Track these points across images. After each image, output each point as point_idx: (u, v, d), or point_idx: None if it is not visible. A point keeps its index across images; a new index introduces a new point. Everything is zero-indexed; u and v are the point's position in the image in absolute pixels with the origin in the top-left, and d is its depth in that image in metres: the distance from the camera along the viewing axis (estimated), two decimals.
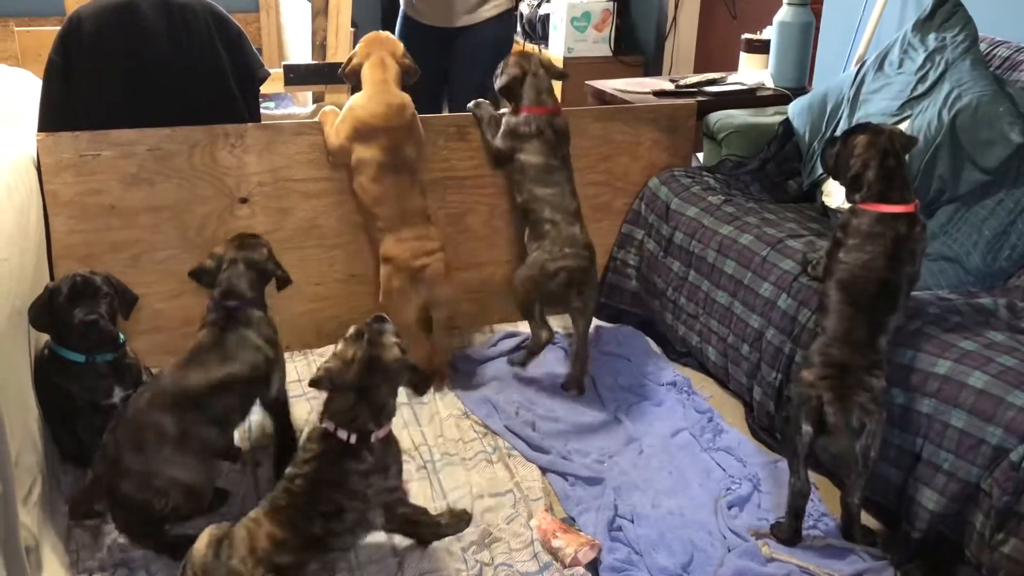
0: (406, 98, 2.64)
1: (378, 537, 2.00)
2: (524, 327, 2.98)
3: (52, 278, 2.48)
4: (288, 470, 1.86)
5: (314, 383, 1.84)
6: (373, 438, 1.84)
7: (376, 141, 2.57)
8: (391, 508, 1.91)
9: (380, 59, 2.62)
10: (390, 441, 1.91)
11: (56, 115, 2.53)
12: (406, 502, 1.97)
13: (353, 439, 1.82)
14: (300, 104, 4.31)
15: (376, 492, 1.86)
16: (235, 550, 1.75)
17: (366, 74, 2.62)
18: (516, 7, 3.43)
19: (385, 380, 1.85)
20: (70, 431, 2.13)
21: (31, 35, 4.31)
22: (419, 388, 1.88)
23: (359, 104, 2.60)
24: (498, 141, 2.78)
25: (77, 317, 2.04)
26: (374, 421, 1.84)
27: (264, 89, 2.94)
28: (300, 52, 4.75)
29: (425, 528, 2.00)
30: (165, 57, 2.56)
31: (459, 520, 2.07)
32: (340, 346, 1.87)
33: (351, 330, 1.88)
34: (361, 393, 1.82)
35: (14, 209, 2.19)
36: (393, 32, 2.96)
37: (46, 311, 2.05)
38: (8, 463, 1.73)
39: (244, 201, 2.68)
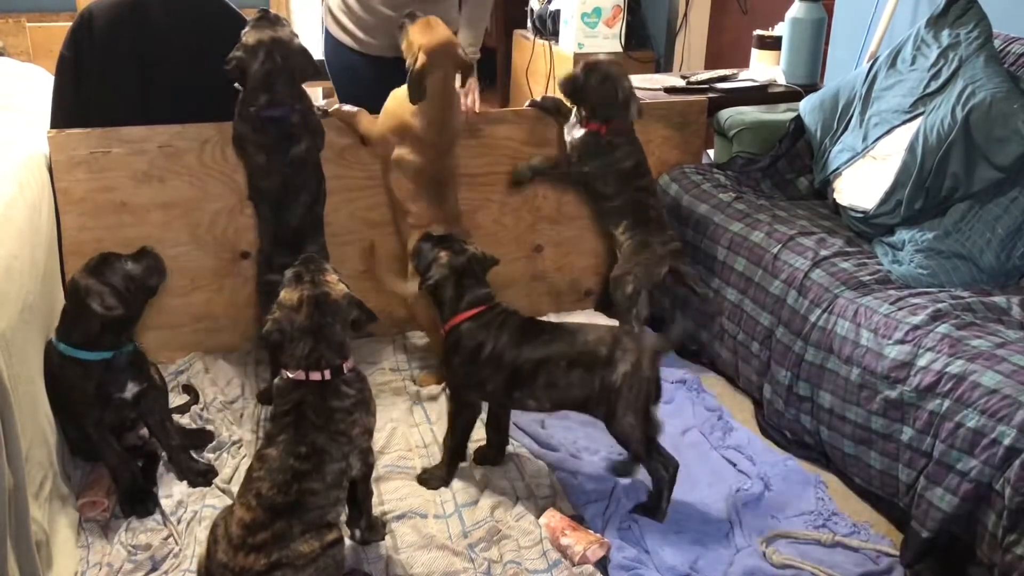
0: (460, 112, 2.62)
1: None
2: None
3: (63, 275, 2.49)
4: (267, 427, 1.83)
5: (267, 335, 1.82)
6: (344, 369, 1.83)
7: (425, 148, 2.54)
8: (365, 455, 1.90)
9: (445, 75, 2.50)
10: (361, 374, 1.89)
11: (67, 111, 2.54)
12: (373, 460, 1.96)
13: (327, 375, 1.80)
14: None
15: (360, 432, 1.85)
16: (219, 544, 1.74)
17: (432, 87, 2.47)
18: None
19: (337, 318, 1.82)
20: (78, 427, 2.14)
21: (42, 31, 4.33)
22: (361, 324, 1.88)
23: (415, 112, 2.50)
24: (585, 167, 2.76)
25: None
26: (338, 356, 1.82)
27: None
28: (310, 47, 4.75)
29: (367, 502, 1.99)
30: (175, 53, 2.56)
31: (378, 529, 2.05)
32: (283, 293, 1.84)
33: (289, 274, 1.86)
34: (316, 334, 1.80)
35: (26, 206, 2.20)
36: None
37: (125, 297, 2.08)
38: (19, 457, 1.74)
39: None
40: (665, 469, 2.10)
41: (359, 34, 2.90)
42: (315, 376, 1.80)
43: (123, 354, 2.11)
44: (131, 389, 2.14)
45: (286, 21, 2.43)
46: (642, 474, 2.28)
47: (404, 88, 2.50)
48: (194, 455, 2.29)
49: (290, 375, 1.81)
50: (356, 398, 1.84)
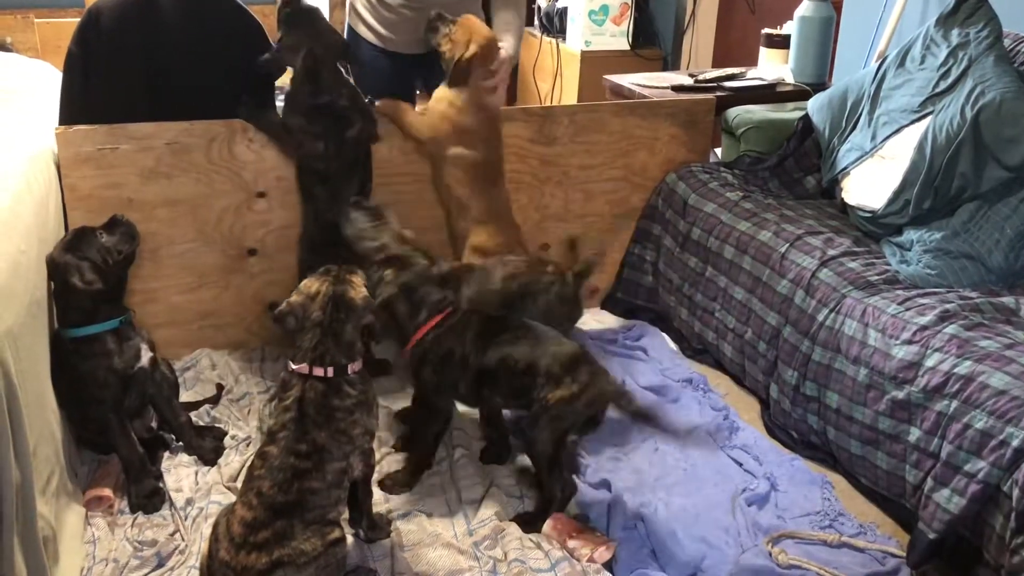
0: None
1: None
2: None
3: None
4: (269, 423, 1.83)
5: (279, 317, 1.83)
6: (349, 370, 1.82)
7: (478, 142, 2.58)
8: (367, 456, 1.89)
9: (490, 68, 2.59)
10: (366, 376, 1.89)
11: (75, 107, 2.54)
12: (374, 461, 1.97)
13: (330, 372, 1.79)
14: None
15: (361, 432, 1.84)
16: (220, 542, 1.74)
17: (478, 80, 2.57)
18: None
19: (350, 318, 1.81)
20: (93, 418, 2.14)
21: (51, 27, 4.34)
22: (374, 332, 1.88)
23: (463, 110, 2.57)
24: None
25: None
26: (345, 356, 1.81)
27: (281, 82, 2.94)
28: None
29: (368, 501, 1.99)
30: (182, 50, 2.56)
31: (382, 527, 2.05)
32: (305, 281, 1.85)
33: (321, 268, 1.87)
34: (326, 330, 1.80)
35: (34, 201, 2.20)
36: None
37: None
38: (26, 453, 1.74)
39: (261, 195, 2.68)
40: (561, 491, 2.11)
41: (381, 30, 2.94)
42: (318, 372, 1.80)
43: (126, 323, 2.16)
44: (146, 355, 2.18)
45: (319, 13, 2.50)
46: (649, 470, 2.28)
47: (446, 89, 2.58)
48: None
49: (295, 367, 1.82)
50: (358, 399, 1.83)
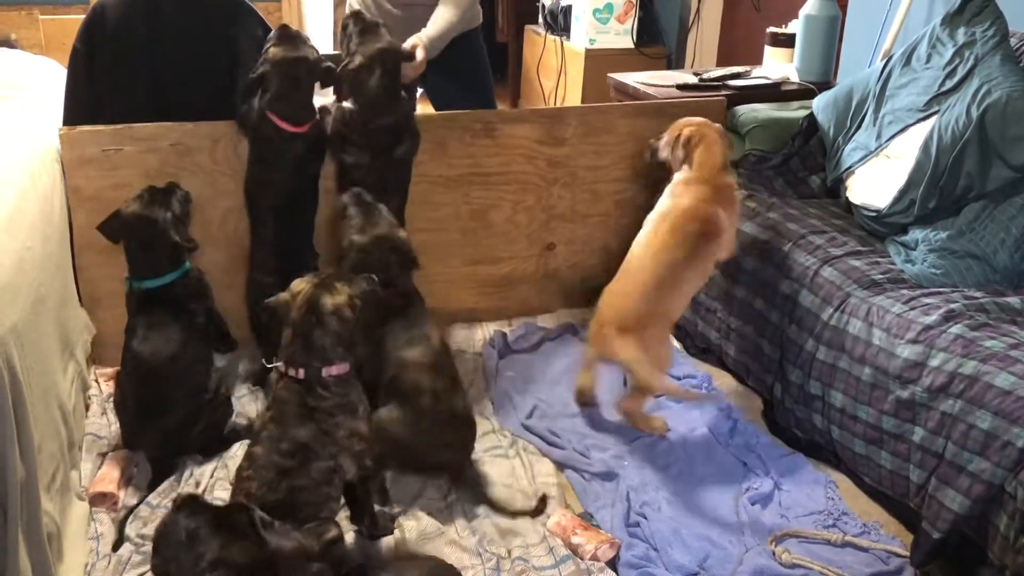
0: None
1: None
2: (543, 320, 2.99)
3: (75, 268, 2.50)
4: (258, 422, 1.84)
5: (265, 307, 1.85)
6: (324, 373, 1.80)
7: None
8: (360, 458, 1.87)
9: None
10: (349, 380, 1.86)
11: (80, 105, 2.55)
12: (370, 463, 1.93)
13: (301, 374, 1.79)
14: (320, 94, 4.29)
15: (346, 435, 1.82)
16: None
17: None
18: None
19: (319, 324, 1.79)
20: None
21: (55, 23, 4.35)
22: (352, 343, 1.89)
23: None
24: None
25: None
26: (317, 359, 1.79)
27: None
28: (321, 42, 4.76)
29: (368, 501, 1.97)
30: (186, 48, 2.56)
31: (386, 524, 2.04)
32: (297, 280, 1.85)
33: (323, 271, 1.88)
34: (297, 332, 1.79)
35: (38, 198, 2.21)
36: None
37: None
38: (31, 450, 1.75)
39: None
40: None
41: None
42: (292, 372, 1.80)
43: None
44: None
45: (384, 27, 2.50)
46: (652, 468, 2.28)
47: None
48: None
49: (278, 364, 1.83)
50: (335, 401, 1.81)
